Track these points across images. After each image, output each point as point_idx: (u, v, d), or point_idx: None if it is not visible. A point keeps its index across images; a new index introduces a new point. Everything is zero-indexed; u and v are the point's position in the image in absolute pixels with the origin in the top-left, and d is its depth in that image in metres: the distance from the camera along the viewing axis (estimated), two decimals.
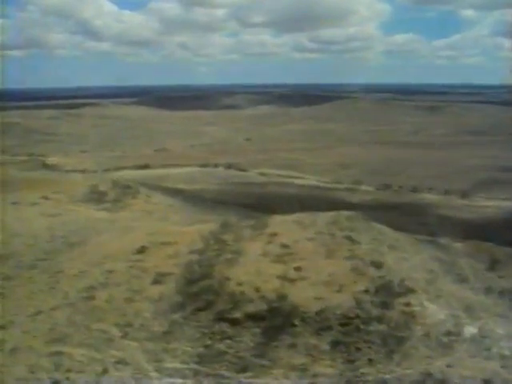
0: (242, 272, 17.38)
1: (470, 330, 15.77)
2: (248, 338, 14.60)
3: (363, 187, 65.66)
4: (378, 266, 18.41)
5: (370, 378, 13.25)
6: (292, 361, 13.87)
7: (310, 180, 72.31)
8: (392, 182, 70.18)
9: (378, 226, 25.31)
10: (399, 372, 13.62)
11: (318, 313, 15.07)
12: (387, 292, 16.48)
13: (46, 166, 58.45)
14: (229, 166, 75.60)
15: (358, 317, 14.98)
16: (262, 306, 15.37)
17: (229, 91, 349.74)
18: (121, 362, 14.56)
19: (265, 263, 18.07)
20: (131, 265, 20.04)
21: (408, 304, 16.11)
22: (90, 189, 31.54)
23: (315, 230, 21.20)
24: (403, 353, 14.18)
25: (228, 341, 14.60)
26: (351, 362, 13.81)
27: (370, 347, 14.23)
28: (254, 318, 15.11)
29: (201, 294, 16.53)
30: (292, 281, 16.71)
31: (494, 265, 25.92)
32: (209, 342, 14.65)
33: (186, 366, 14.05)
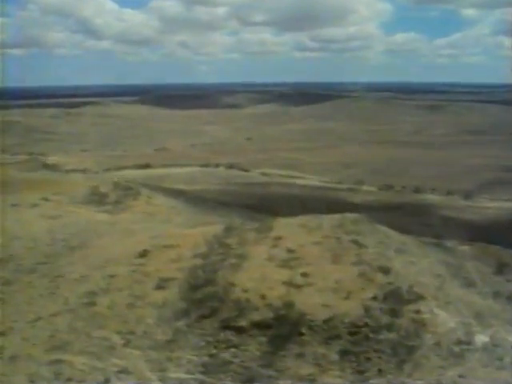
0: (247, 278, 16.96)
1: (481, 338, 15.36)
2: (254, 346, 14.19)
3: (365, 187, 65.35)
4: (385, 271, 18.00)
5: None
6: (300, 371, 13.46)
7: (312, 180, 71.97)
8: (394, 182, 69.86)
9: (384, 228, 24.92)
10: (410, 383, 13.23)
11: (325, 321, 14.64)
12: (396, 299, 16.05)
13: (46, 166, 58.05)
14: (230, 166, 75.27)
15: (366, 325, 14.56)
16: (268, 314, 14.94)
17: (229, 90, 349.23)
18: (123, 371, 14.14)
19: (270, 268, 17.65)
20: (133, 269, 19.62)
21: (418, 311, 15.69)
22: (90, 190, 31.13)
23: (321, 234, 20.79)
24: (414, 362, 13.77)
25: (233, 350, 14.19)
26: (361, 372, 13.39)
27: (379, 357, 13.82)
28: (259, 326, 14.69)
29: (205, 301, 16.11)
30: (298, 287, 16.29)
31: (501, 268, 25.47)
32: (214, 351, 14.24)
33: (190, 376, 13.64)
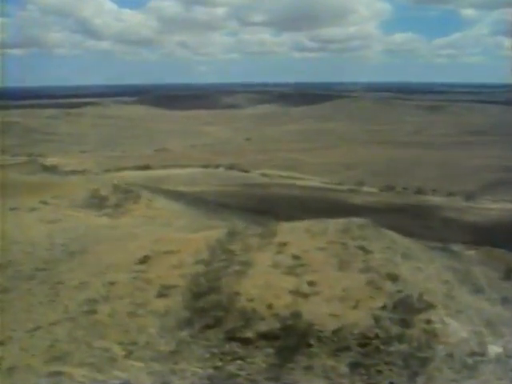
0: (252, 286, 16.49)
1: (494, 349, 14.89)
2: (261, 358, 13.72)
3: (366, 188, 64.97)
4: (393, 278, 17.53)
5: None
6: None
7: (312, 181, 71.56)
8: (395, 183, 69.56)
9: (390, 233, 24.46)
10: None
11: (334, 332, 14.17)
12: (406, 308, 15.58)
13: (45, 167, 57.53)
14: (230, 167, 74.90)
15: (377, 336, 14.09)
16: (274, 324, 14.47)
17: (229, 90, 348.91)
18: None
19: (275, 276, 17.18)
20: (134, 276, 19.14)
21: (429, 321, 15.22)
22: (90, 193, 30.62)
23: (326, 239, 20.32)
24: (427, 375, 13.31)
25: (239, 362, 13.71)
26: None
27: (391, 369, 13.35)
28: (266, 337, 14.22)
29: (209, 310, 15.62)
30: (305, 296, 15.81)
31: (509, 273, 25.04)
32: (219, 364, 13.76)
33: None
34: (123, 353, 14.92)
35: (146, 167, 79.39)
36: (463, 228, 43.01)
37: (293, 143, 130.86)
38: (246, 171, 74.00)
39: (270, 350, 13.90)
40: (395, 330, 14.55)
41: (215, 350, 14.25)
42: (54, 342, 15.79)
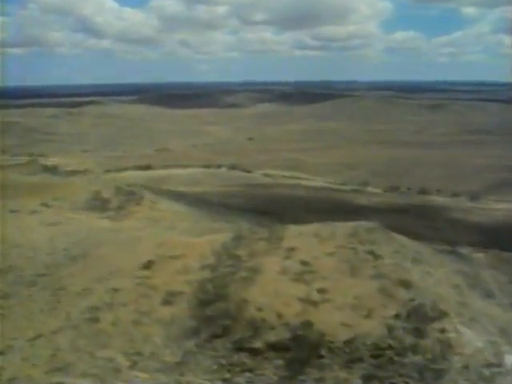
0: (260, 293, 15.97)
1: (511, 359, 14.40)
2: (271, 371, 13.22)
3: (370, 189, 64.43)
4: (405, 285, 17.02)
5: None
6: None
7: (316, 181, 71.01)
8: (398, 183, 69.03)
9: (398, 236, 23.93)
10: None
11: (346, 342, 13.67)
12: (419, 317, 15.08)
13: (46, 168, 57.03)
14: (232, 167, 74.31)
15: (390, 347, 13.59)
16: (284, 334, 13.96)
17: (230, 89, 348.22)
18: None
19: (284, 283, 16.66)
20: (138, 282, 18.62)
21: (443, 330, 14.71)
22: (92, 195, 30.08)
23: (335, 244, 19.79)
24: None
25: (248, 374, 13.22)
26: None
27: (406, 382, 12.86)
28: (276, 347, 13.72)
29: (216, 319, 15.12)
30: (315, 304, 15.30)
31: None
32: (227, 375, 13.27)
33: None
34: (127, 363, 14.44)
35: (148, 167, 78.87)
36: (469, 229, 42.46)
37: (295, 143, 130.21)
38: (248, 171, 73.41)
39: (280, 362, 13.41)
40: (409, 340, 14.05)
41: (223, 361, 13.76)
42: (56, 352, 15.29)
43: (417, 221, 45.22)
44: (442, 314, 15.54)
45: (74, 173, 65.18)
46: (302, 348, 13.52)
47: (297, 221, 40.17)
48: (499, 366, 13.97)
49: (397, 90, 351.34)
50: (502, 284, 23.98)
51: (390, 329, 14.22)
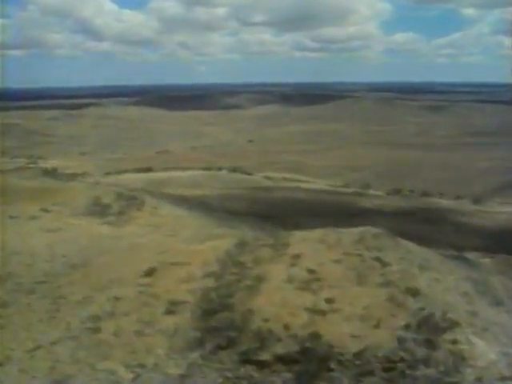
0: (266, 303, 15.51)
1: None
2: None
3: (372, 191, 63.90)
4: (414, 293, 16.56)
5: None
6: None
7: (317, 184, 70.51)
8: (401, 185, 68.55)
9: (404, 242, 23.49)
10: None
11: (356, 354, 13.20)
12: (430, 327, 14.61)
13: (45, 171, 56.55)
14: (233, 170, 73.78)
15: (402, 360, 13.12)
16: (292, 347, 13.49)
17: (230, 91, 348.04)
18: None
19: (290, 291, 16.20)
20: (140, 290, 18.18)
21: (455, 341, 14.24)
22: (92, 200, 29.61)
23: (341, 251, 19.36)
24: None
25: None
26: None
27: None
28: (284, 360, 13.25)
29: (221, 329, 14.65)
30: (323, 314, 14.83)
31: None
32: None
33: None
34: (130, 375, 13.97)
35: (148, 169, 78.25)
36: (474, 233, 41.99)
37: (295, 145, 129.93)
38: (249, 174, 72.83)
39: (289, 375, 12.95)
40: (420, 352, 13.58)
41: (229, 374, 13.30)
42: (56, 363, 14.82)
43: (421, 224, 44.76)
44: (453, 324, 15.08)
45: (73, 175, 64.68)
46: (311, 360, 13.06)
47: (299, 225, 39.74)
48: None
49: (396, 92, 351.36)
50: (511, 290, 23.50)
51: (401, 340, 13.76)
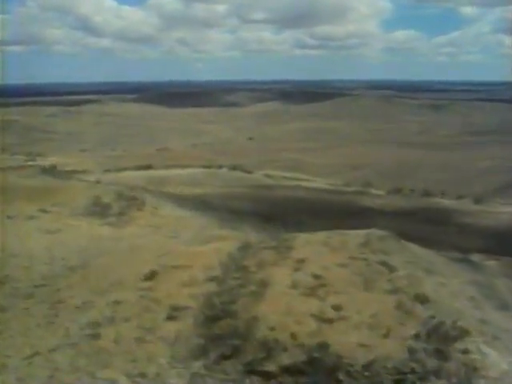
0: (271, 309, 15.06)
1: None
2: None
3: (373, 190, 63.28)
4: (422, 300, 16.13)
5: None
6: None
7: (318, 182, 69.96)
8: (402, 184, 67.95)
9: (410, 245, 23.11)
10: None
11: (365, 366, 12.75)
12: (440, 336, 14.17)
13: (44, 168, 55.92)
14: (233, 168, 73.05)
15: (413, 371, 12.68)
16: (299, 357, 13.04)
17: (229, 88, 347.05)
18: None
19: (295, 298, 15.75)
20: (141, 294, 17.71)
21: (466, 351, 13.80)
22: (92, 200, 29.10)
23: (346, 254, 18.93)
24: None
25: None
26: None
27: None
28: (290, 370, 12.80)
29: (225, 337, 14.20)
30: (330, 322, 14.38)
31: None
32: None
33: None
34: None
35: (148, 167, 77.38)
36: (477, 233, 41.50)
37: (295, 143, 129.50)
38: (249, 172, 72.17)
39: None
40: (431, 363, 13.14)
41: None
42: (54, 372, 14.34)
43: (423, 225, 44.26)
44: (464, 333, 14.63)
45: (73, 173, 64.05)
46: (319, 372, 12.62)
47: (301, 224, 39.28)
48: None
49: (396, 90, 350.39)
50: None
51: (411, 350, 13.32)
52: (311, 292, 16.01)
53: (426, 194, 61.97)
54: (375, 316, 14.68)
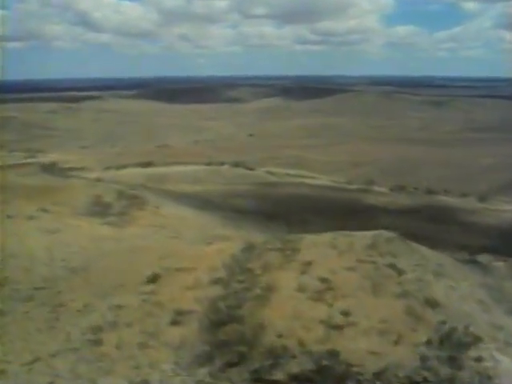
0: (278, 315, 14.63)
1: None
2: None
3: (376, 188, 62.87)
4: (433, 304, 15.70)
5: None
6: None
7: (320, 180, 69.50)
8: (405, 182, 67.55)
9: (418, 247, 22.62)
10: None
11: (376, 374, 12.33)
12: (452, 343, 13.73)
13: (44, 165, 55.51)
14: (235, 165, 72.59)
15: (426, 380, 12.27)
16: (308, 365, 12.62)
17: (230, 84, 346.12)
18: None
19: (303, 302, 15.31)
20: (143, 298, 17.29)
21: (479, 358, 13.38)
22: (92, 199, 28.65)
23: (354, 257, 18.47)
24: None
25: None
26: None
27: None
28: (298, 379, 12.39)
29: (230, 344, 13.77)
30: (338, 328, 13.95)
31: None
32: None
33: None
34: None
35: (148, 164, 76.90)
36: (482, 232, 41.13)
37: (297, 139, 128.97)
38: (251, 169, 71.67)
39: None
40: (444, 371, 12.72)
41: None
42: (55, 378, 13.95)
43: (427, 223, 43.87)
44: (476, 339, 14.22)
45: (72, 170, 63.65)
46: (328, 380, 12.19)
47: (305, 222, 38.89)
48: None
49: (397, 85, 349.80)
50: None
51: (423, 358, 12.89)
52: (318, 296, 15.57)
53: (430, 191, 61.56)
54: (385, 321, 14.25)
